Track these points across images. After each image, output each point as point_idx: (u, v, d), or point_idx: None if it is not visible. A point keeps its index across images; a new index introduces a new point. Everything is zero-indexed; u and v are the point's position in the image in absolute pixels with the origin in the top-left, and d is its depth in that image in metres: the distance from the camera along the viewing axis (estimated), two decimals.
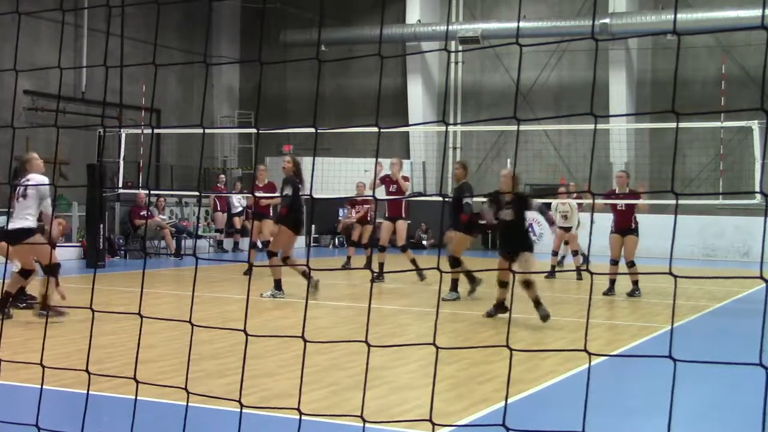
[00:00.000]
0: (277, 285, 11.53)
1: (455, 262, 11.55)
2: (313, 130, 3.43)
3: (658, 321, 10.08)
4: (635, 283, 12.39)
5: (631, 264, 12.33)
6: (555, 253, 15.27)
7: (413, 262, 13.39)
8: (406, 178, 14.09)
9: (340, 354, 7.19)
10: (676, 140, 3.17)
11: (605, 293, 12.45)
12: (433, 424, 3.08)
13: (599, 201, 13.26)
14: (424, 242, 23.32)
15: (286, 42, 25.11)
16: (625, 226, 12.45)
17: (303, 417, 3.32)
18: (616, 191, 12.85)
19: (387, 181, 13.87)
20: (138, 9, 21.53)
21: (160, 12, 4.01)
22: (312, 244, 23.02)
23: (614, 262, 12.54)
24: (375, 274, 13.47)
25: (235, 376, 6.14)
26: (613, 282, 12.60)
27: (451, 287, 11.73)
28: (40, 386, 3.92)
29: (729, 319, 10.68)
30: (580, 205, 15.77)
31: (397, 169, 13.90)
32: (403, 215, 14.11)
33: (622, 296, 12.43)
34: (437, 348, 2.79)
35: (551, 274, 14.90)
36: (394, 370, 6.72)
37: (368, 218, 16.60)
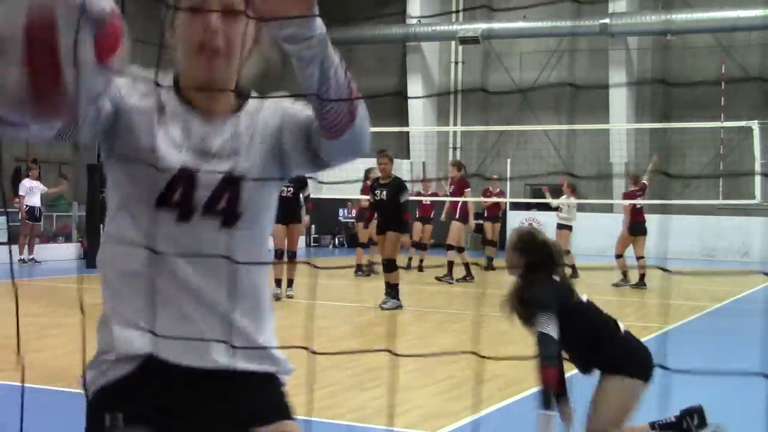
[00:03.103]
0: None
1: (391, 266, 10.55)
2: None
3: (660, 321, 10.08)
4: (642, 276, 13.35)
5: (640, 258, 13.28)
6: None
7: (467, 266, 13.89)
8: (463, 181, 14.11)
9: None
10: (675, 140, 3.17)
11: (633, 286, 13.35)
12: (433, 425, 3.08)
13: (599, 201, 13.36)
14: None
15: None
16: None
17: (303, 417, 3.32)
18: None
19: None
20: (138, 9, 21.53)
21: (161, 12, 4.00)
22: (312, 245, 23.03)
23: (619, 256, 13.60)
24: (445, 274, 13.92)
25: None
26: (626, 274, 13.59)
27: (393, 294, 10.56)
28: (40, 386, 3.92)
29: (729, 319, 10.67)
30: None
31: (456, 171, 14.21)
32: (457, 216, 13.92)
33: (623, 296, 12.43)
34: (459, 353, 2.79)
35: None
36: (394, 370, 6.71)
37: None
